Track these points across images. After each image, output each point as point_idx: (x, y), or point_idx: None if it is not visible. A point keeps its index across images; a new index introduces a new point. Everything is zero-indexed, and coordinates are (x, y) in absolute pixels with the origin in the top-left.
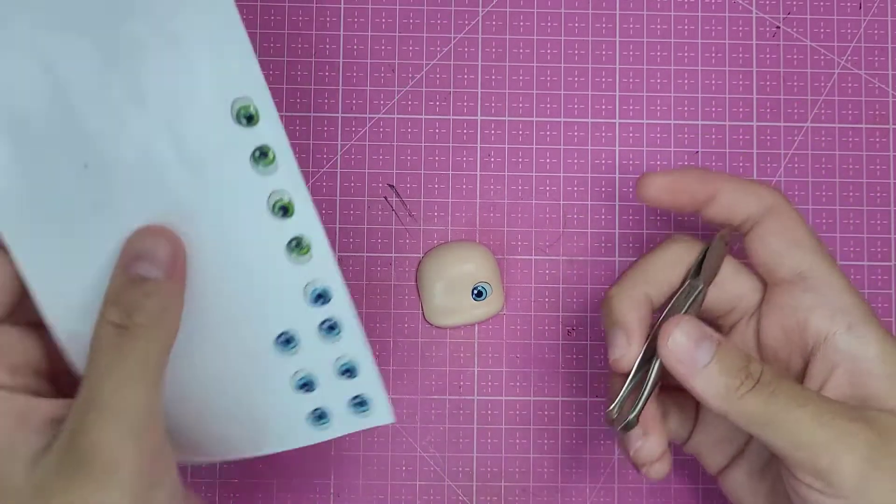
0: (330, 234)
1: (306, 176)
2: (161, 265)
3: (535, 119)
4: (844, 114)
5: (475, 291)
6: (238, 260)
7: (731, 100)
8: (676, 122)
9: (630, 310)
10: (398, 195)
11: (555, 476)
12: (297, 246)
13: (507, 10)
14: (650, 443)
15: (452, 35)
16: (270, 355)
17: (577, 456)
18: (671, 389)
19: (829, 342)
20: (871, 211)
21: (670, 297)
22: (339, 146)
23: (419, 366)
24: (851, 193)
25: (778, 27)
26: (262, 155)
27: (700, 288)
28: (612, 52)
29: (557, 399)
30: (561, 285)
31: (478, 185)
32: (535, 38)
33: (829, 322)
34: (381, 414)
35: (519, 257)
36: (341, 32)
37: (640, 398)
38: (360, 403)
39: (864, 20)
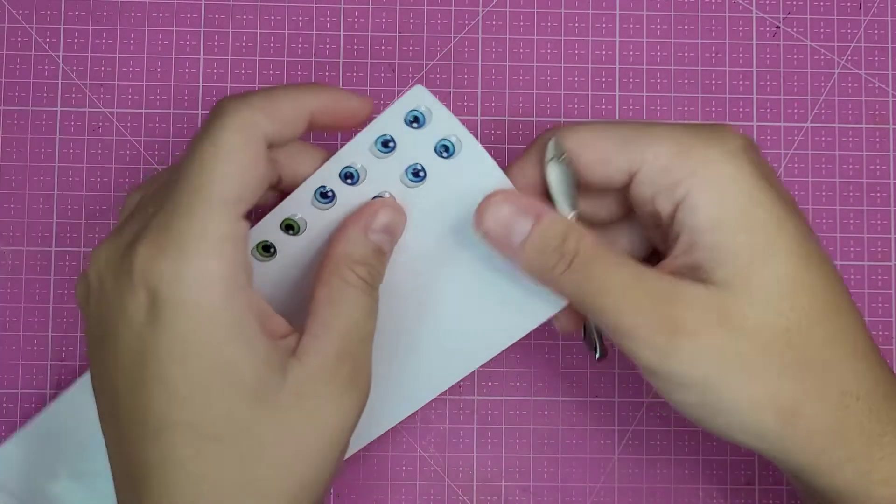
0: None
1: None
2: (394, 242)
3: (535, 119)
4: (844, 114)
5: None
6: None
7: (730, 100)
8: (676, 122)
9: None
10: None
11: (555, 476)
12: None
13: (507, 10)
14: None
15: (452, 35)
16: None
17: (577, 456)
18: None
19: (677, 219)
20: (871, 211)
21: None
22: (340, 146)
23: None
24: (851, 193)
25: (778, 27)
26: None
27: (573, 214)
28: (612, 51)
29: (557, 399)
30: None
31: None
32: (535, 38)
33: (668, 204)
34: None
35: None
36: (341, 32)
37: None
38: None
39: (864, 20)
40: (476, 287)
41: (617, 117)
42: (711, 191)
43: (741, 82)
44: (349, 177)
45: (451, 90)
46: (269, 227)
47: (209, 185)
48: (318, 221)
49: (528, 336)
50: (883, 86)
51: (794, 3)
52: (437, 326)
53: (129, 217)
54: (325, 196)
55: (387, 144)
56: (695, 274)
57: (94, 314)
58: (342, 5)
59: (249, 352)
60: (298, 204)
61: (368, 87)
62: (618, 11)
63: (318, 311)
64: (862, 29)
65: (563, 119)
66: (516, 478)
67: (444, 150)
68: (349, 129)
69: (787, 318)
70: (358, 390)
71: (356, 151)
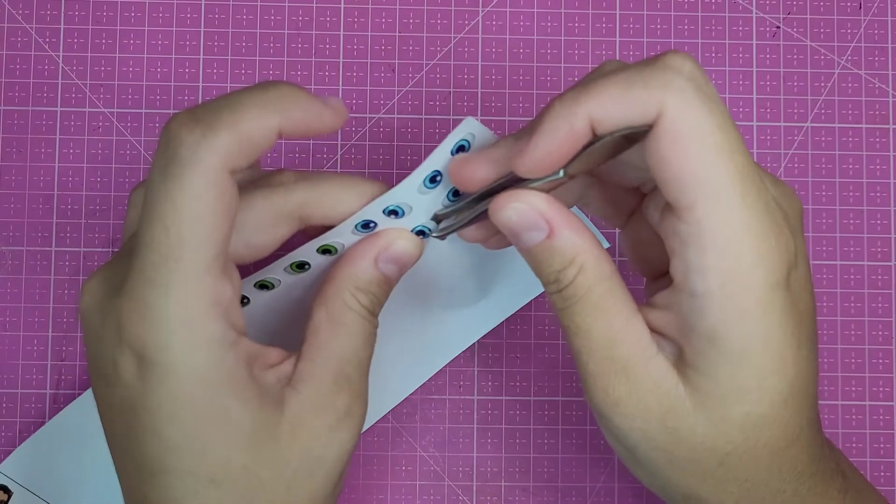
0: None
1: None
2: (402, 274)
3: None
4: (844, 114)
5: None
6: None
7: (731, 100)
8: None
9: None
10: None
11: (555, 476)
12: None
13: (507, 10)
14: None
15: (452, 35)
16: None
17: (577, 456)
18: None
19: (676, 293)
20: (871, 211)
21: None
22: (339, 146)
23: None
24: (851, 193)
25: (778, 27)
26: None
27: (560, 176)
28: (612, 51)
29: (557, 399)
30: None
31: None
32: (535, 38)
33: (680, 279)
34: None
35: None
36: (341, 32)
37: (454, 224)
38: None
39: (864, 20)
40: (458, 277)
41: None
42: (727, 316)
43: (741, 82)
44: (393, 213)
45: (451, 90)
46: (307, 250)
47: (180, 254)
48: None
49: (528, 336)
50: (883, 86)
51: (794, 3)
52: (421, 318)
53: (123, 250)
54: (366, 227)
55: (434, 180)
56: (677, 353)
57: (89, 345)
58: (342, 5)
59: (243, 400)
60: (340, 234)
61: (368, 87)
62: (618, 11)
63: (316, 333)
64: (862, 29)
65: None
66: (516, 478)
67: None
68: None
69: (735, 446)
70: (354, 417)
71: (406, 193)
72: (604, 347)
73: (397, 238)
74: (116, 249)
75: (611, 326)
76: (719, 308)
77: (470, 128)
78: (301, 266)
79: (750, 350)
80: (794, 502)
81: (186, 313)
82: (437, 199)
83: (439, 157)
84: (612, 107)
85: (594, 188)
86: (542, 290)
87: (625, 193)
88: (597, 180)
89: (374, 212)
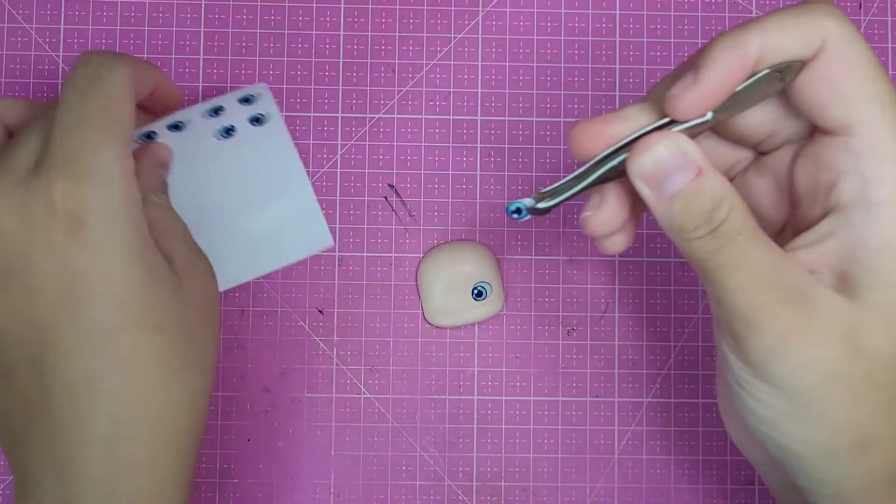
0: (330, 234)
1: None
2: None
3: (534, 119)
4: None
5: (475, 291)
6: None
7: None
8: None
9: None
10: (398, 195)
11: (555, 476)
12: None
13: (507, 10)
14: (603, 213)
15: (452, 35)
16: None
17: (577, 456)
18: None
19: (845, 213)
20: None
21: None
22: (339, 146)
23: (419, 366)
24: None
25: None
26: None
27: (708, 119)
28: (612, 52)
29: (557, 399)
30: (561, 285)
31: (478, 185)
32: (535, 38)
33: (855, 193)
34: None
35: (519, 257)
36: (341, 32)
37: (568, 189)
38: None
39: (864, 20)
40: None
41: None
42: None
43: None
44: (175, 127)
45: (451, 90)
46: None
47: (112, 126)
48: None
49: (528, 336)
50: None
51: (794, 3)
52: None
53: (6, 152)
54: (148, 137)
55: (217, 111)
56: (837, 280)
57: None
58: (342, 5)
59: (158, 255)
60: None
61: (368, 88)
62: (618, 11)
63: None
64: (862, 29)
65: (562, 119)
66: (516, 478)
67: (256, 120)
68: (163, 111)
69: None
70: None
71: (190, 112)
72: (772, 276)
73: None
74: None
75: (774, 255)
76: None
77: (259, 90)
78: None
79: None
80: None
81: (117, 173)
82: (213, 127)
83: (226, 99)
84: (782, 35)
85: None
86: (318, 250)
87: (733, 153)
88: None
89: (160, 126)
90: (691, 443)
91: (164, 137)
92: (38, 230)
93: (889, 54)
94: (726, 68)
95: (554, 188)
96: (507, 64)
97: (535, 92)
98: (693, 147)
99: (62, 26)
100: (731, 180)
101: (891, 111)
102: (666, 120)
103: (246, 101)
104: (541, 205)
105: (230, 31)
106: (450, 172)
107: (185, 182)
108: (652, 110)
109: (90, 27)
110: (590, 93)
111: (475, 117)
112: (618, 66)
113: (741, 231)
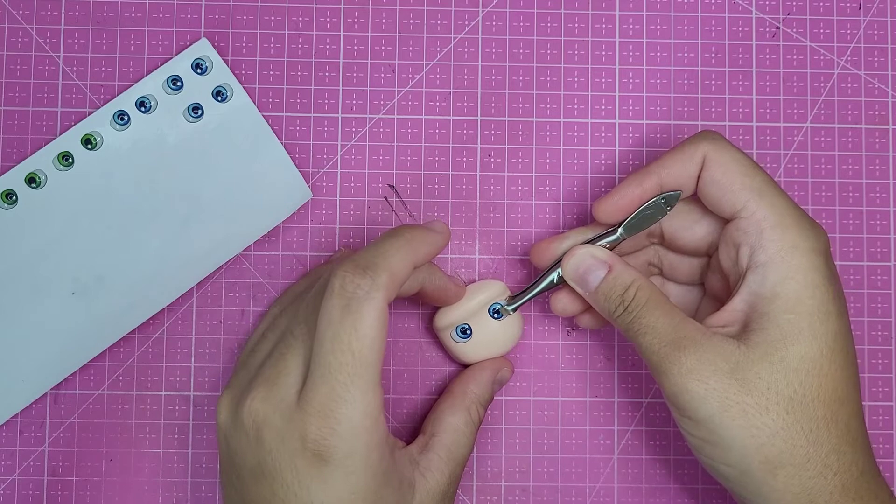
0: (330, 233)
1: (306, 176)
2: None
3: (534, 119)
4: (844, 114)
5: (492, 310)
6: None
7: (730, 100)
8: (676, 122)
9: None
10: (398, 195)
11: (555, 476)
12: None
13: (507, 10)
14: (560, 302)
15: (452, 35)
16: None
17: (577, 456)
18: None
19: (745, 277)
20: (870, 211)
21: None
22: (339, 146)
23: (419, 366)
24: (851, 193)
25: (778, 27)
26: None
27: (619, 235)
28: (612, 52)
29: (557, 399)
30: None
31: (478, 185)
32: (535, 38)
33: (748, 259)
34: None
35: (519, 257)
36: (341, 32)
37: (529, 292)
38: None
39: (864, 20)
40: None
41: (617, 117)
42: (785, 272)
43: (741, 82)
44: (143, 105)
45: (451, 90)
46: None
47: (363, 372)
48: (114, 140)
49: (527, 336)
50: (883, 86)
51: (794, 3)
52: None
53: (274, 373)
54: (121, 118)
55: (175, 83)
56: (741, 330)
57: (238, 450)
58: (342, 5)
59: (393, 487)
60: (100, 122)
61: (368, 88)
62: (617, 12)
63: (444, 433)
64: (862, 29)
65: (562, 119)
66: (516, 478)
67: (219, 94)
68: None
69: (795, 390)
70: None
71: (151, 85)
72: (671, 332)
73: (506, 365)
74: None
75: (672, 317)
76: (778, 269)
77: (204, 50)
78: (66, 158)
79: (803, 297)
80: (853, 472)
81: (368, 421)
82: (180, 106)
83: (179, 65)
84: (674, 160)
85: (669, 254)
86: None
87: (691, 262)
88: (669, 247)
89: (125, 101)
90: None
91: (137, 120)
92: (290, 454)
93: (889, 54)
94: (633, 185)
95: (521, 293)
96: (507, 64)
97: (535, 92)
98: (602, 251)
99: (62, 26)
100: (701, 284)
101: (767, 195)
102: (591, 236)
103: (198, 67)
104: (509, 306)
105: (230, 31)
106: (450, 172)
107: (169, 173)
108: (586, 232)
109: (90, 27)
110: (590, 93)
111: (475, 117)
112: (618, 67)
113: (646, 304)
